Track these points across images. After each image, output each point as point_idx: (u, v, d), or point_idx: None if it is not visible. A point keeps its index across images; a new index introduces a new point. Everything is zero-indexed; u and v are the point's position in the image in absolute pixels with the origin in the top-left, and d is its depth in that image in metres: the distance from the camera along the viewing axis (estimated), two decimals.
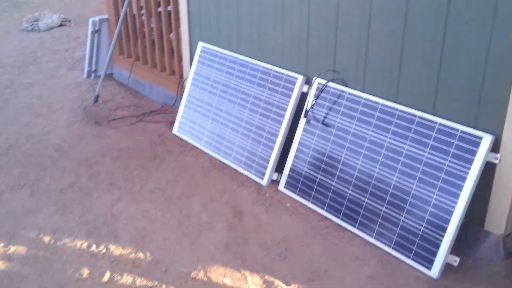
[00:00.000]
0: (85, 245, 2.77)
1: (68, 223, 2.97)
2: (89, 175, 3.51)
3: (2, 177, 3.48)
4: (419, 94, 2.72)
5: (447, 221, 2.49)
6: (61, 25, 7.70)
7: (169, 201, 3.20)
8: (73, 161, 3.70)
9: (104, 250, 2.73)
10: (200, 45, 4.08)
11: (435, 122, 2.63)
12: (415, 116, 2.72)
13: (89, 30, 5.24)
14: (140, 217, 3.03)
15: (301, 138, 3.23)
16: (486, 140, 2.44)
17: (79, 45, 6.69)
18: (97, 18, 5.28)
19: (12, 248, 2.75)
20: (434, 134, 2.62)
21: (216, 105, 3.84)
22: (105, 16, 5.36)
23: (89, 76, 5.39)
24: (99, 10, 8.45)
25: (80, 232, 2.89)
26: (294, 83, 3.33)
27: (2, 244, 2.78)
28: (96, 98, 4.57)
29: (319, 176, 3.08)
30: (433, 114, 2.68)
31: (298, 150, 3.24)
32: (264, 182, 3.36)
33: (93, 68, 5.36)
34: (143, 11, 4.81)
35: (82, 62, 5.87)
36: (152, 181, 3.43)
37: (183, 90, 4.19)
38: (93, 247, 2.75)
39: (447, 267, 2.54)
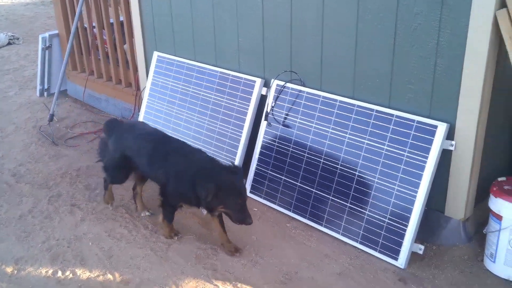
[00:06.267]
0: (50, 272, 2.68)
1: (31, 250, 2.86)
2: (48, 198, 3.40)
3: None
4: (375, 89, 2.76)
5: (410, 211, 2.54)
6: (9, 43, 7.45)
7: (134, 217, 3.14)
8: (31, 185, 3.58)
9: (71, 275, 2.65)
10: (156, 54, 4.03)
11: (392, 115, 2.68)
12: (372, 110, 2.76)
13: (40, 47, 5.10)
14: (106, 236, 2.96)
15: (263, 141, 3.23)
16: (441, 128, 2.51)
17: (30, 63, 6.49)
18: (47, 34, 5.14)
19: None
20: (391, 126, 2.67)
21: (175, 114, 3.79)
22: (55, 32, 5.22)
23: (42, 94, 5.23)
24: (48, 25, 8.23)
25: (43, 259, 2.79)
26: (252, 87, 3.33)
27: None
28: (51, 117, 4.44)
29: (283, 177, 3.09)
30: (389, 107, 2.73)
31: (261, 153, 3.23)
32: None
33: (46, 86, 5.21)
34: (94, 23, 4.71)
35: (34, 81, 5.69)
36: (116, 198, 3.35)
37: (141, 102, 4.12)
38: (59, 273, 2.66)
39: (413, 256, 2.59)
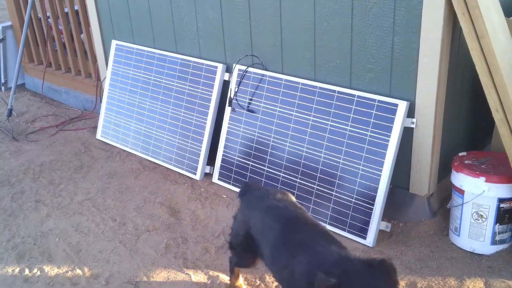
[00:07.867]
0: (16, 270, 2.62)
1: None
2: (11, 195, 3.30)
3: None
4: (336, 70, 2.77)
5: (375, 190, 2.58)
6: None
7: (101, 210, 3.09)
8: None
9: (38, 272, 2.59)
10: (114, 43, 3.92)
11: (353, 95, 2.70)
12: (334, 91, 2.77)
13: None
14: (73, 231, 2.90)
15: (228, 127, 3.21)
16: (402, 106, 2.54)
17: None
18: (0, 26, 4.94)
19: None
20: (353, 107, 2.69)
21: (138, 104, 3.72)
22: (9, 23, 5.02)
23: None
24: (1, 17, 7.90)
25: (9, 257, 2.72)
26: (214, 72, 3.29)
27: None
28: (10, 112, 4.30)
29: (250, 163, 3.09)
30: (350, 87, 2.74)
31: (227, 139, 3.21)
32: (197, 176, 3.32)
33: (3, 80, 5.02)
34: (49, 13, 4.55)
35: None
36: (81, 192, 3.29)
37: (102, 93, 4.02)
38: (26, 271, 2.60)
39: (381, 234, 2.64)
